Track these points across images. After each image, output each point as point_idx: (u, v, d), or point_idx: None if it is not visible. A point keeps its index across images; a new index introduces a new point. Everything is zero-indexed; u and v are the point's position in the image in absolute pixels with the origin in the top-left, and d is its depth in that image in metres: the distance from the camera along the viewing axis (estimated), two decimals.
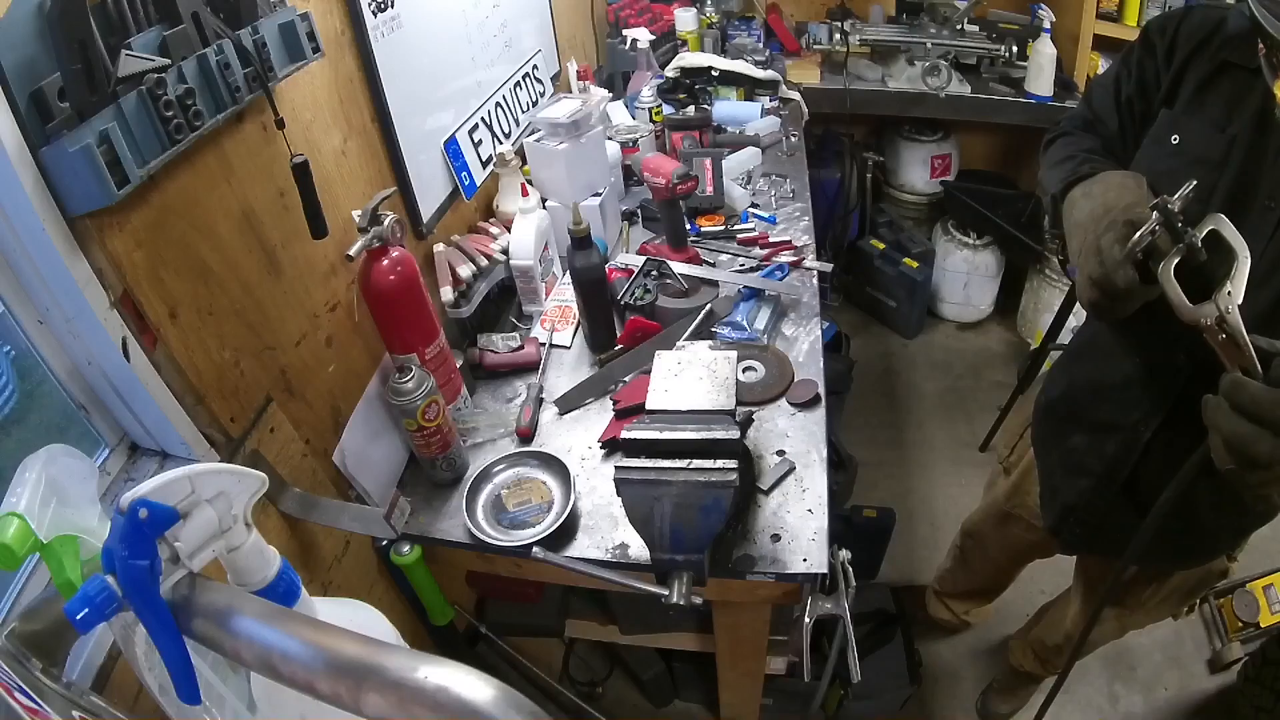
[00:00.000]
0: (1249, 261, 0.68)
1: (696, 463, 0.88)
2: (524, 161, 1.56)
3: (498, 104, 1.57)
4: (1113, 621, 1.36)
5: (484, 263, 1.35)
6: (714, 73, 2.08)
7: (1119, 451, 1.03)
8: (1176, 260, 0.69)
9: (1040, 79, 2.28)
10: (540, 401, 1.28)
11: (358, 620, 0.72)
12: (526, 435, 1.21)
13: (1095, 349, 1.08)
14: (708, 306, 1.35)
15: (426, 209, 1.30)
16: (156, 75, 0.69)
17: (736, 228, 1.67)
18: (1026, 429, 1.30)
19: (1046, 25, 2.24)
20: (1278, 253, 0.80)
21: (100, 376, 0.75)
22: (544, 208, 1.46)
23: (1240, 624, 1.79)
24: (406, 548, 1.07)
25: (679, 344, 1.23)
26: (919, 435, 2.46)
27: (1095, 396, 1.06)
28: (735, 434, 0.87)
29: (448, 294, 1.29)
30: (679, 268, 1.43)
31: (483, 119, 1.50)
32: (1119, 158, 0.96)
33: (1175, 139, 0.90)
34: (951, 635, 1.89)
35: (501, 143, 1.56)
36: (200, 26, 0.75)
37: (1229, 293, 0.67)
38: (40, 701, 0.48)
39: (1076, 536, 1.17)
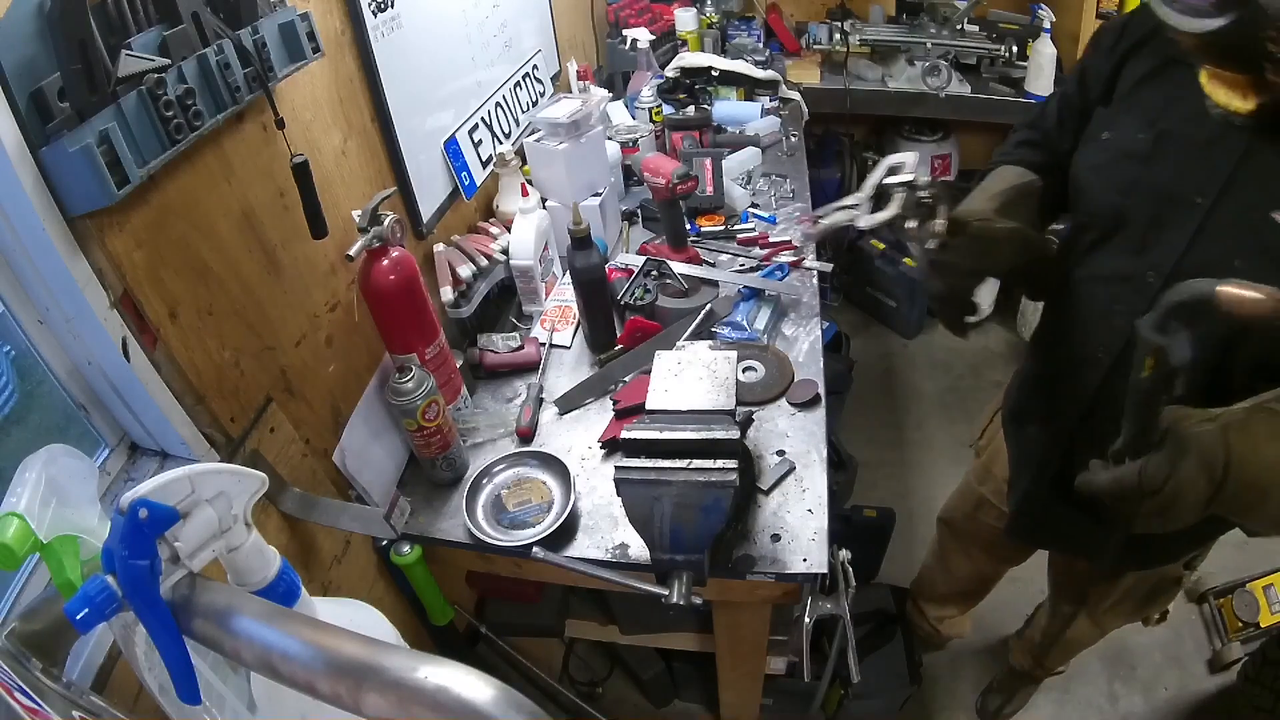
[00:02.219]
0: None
1: (696, 463, 0.87)
2: (524, 161, 1.56)
3: (498, 104, 1.57)
4: (1084, 620, 1.37)
5: (484, 263, 1.35)
6: (714, 73, 2.08)
7: (1049, 443, 1.06)
8: (914, 223, 0.82)
9: (1040, 79, 2.28)
10: (540, 401, 1.28)
11: (358, 620, 0.72)
12: (526, 435, 1.21)
13: (1038, 343, 1.10)
14: (708, 306, 1.35)
15: (426, 209, 1.30)
16: (156, 75, 0.69)
17: (736, 228, 1.67)
18: (997, 412, 1.30)
19: (1046, 25, 2.23)
20: (1206, 251, 0.80)
21: (100, 376, 0.75)
22: (544, 208, 1.46)
23: (1240, 624, 1.79)
24: (406, 548, 1.07)
25: (679, 344, 1.23)
26: (919, 435, 2.46)
27: (1036, 389, 1.07)
28: (735, 434, 0.87)
29: (448, 294, 1.29)
30: (679, 268, 1.43)
31: (483, 119, 1.50)
32: (1056, 153, 0.98)
33: (1105, 135, 0.91)
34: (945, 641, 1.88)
35: (501, 143, 1.56)
36: (200, 26, 0.75)
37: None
38: (40, 701, 0.48)
39: (1024, 527, 1.19)
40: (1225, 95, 0.76)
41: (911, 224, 0.83)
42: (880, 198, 0.84)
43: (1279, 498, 0.67)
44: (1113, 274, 0.89)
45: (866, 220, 0.84)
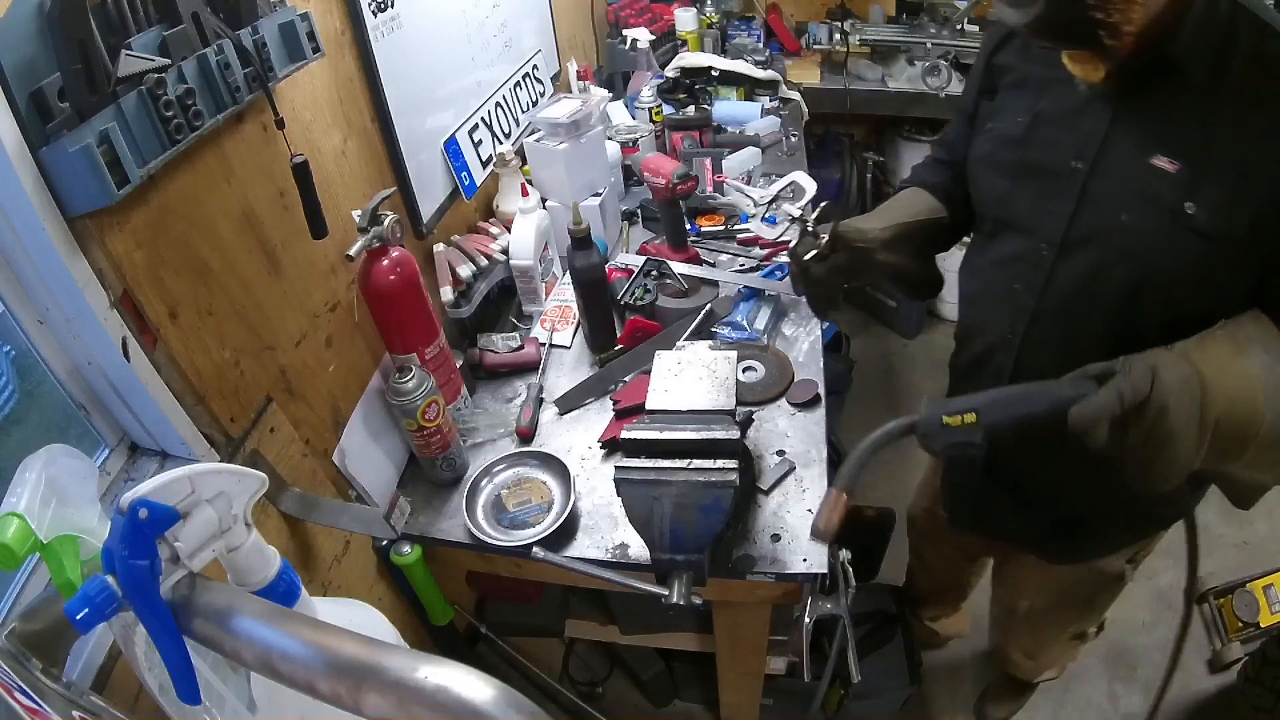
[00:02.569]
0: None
1: (696, 463, 0.88)
2: (524, 161, 1.56)
3: (498, 104, 1.57)
4: (1023, 627, 1.34)
5: (484, 263, 1.35)
6: (714, 73, 2.08)
7: None
8: (812, 253, 0.95)
9: None
10: (540, 401, 1.28)
11: (358, 620, 0.72)
12: (526, 435, 1.21)
13: (957, 335, 1.11)
14: (708, 306, 1.35)
15: (426, 209, 1.30)
16: (156, 75, 0.69)
17: (736, 228, 1.67)
18: None
19: None
20: (1092, 216, 0.82)
21: (100, 376, 0.75)
22: (544, 208, 1.46)
23: (1240, 624, 1.79)
24: (406, 548, 1.07)
25: (679, 344, 1.23)
26: None
27: (961, 378, 1.09)
28: (735, 434, 0.87)
29: (448, 294, 1.28)
30: (679, 268, 1.43)
31: (483, 119, 1.50)
32: (962, 164, 1.02)
33: (990, 125, 0.95)
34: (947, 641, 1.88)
35: (501, 143, 1.56)
36: (200, 26, 0.75)
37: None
38: (40, 701, 0.48)
39: (961, 514, 1.21)
40: (1082, 70, 0.80)
41: (800, 249, 0.96)
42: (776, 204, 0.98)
43: (1271, 413, 0.68)
44: (1010, 256, 0.92)
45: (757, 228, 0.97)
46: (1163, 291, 0.77)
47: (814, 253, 0.95)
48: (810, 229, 0.97)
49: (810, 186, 0.94)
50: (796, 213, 0.98)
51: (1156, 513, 1.05)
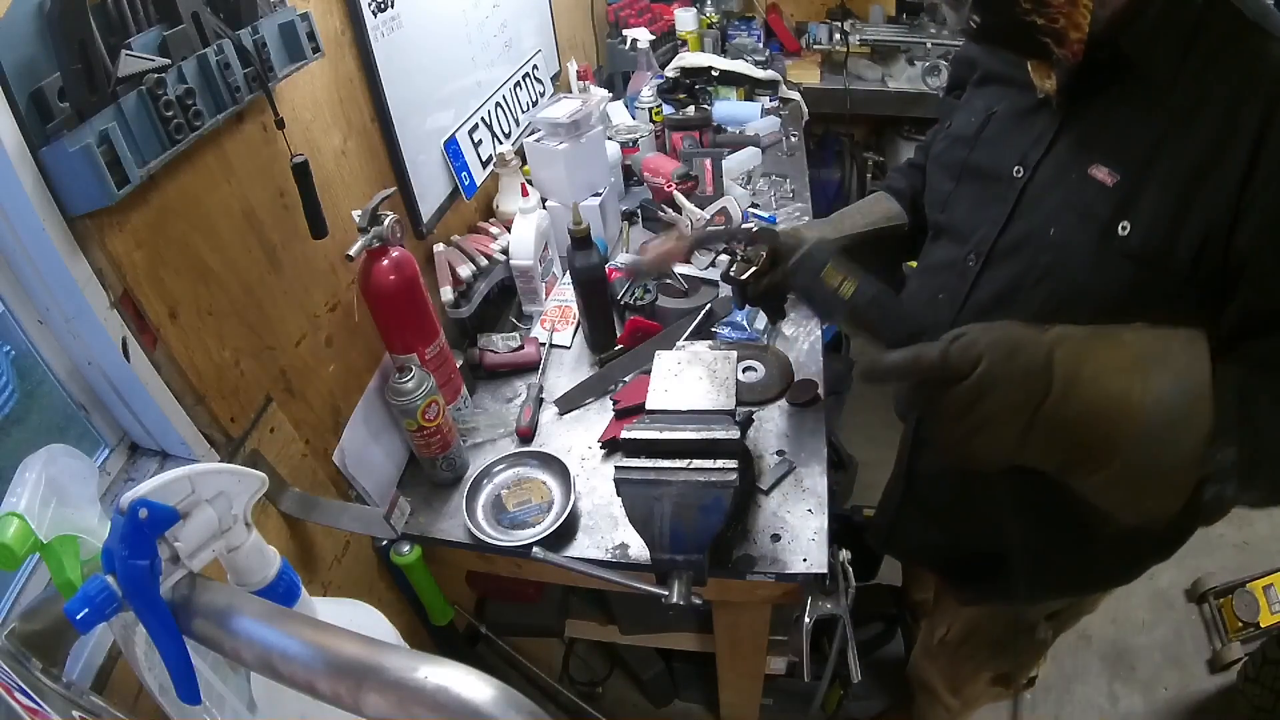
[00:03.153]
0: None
1: (696, 463, 0.88)
2: (524, 161, 1.56)
3: (498, 104, 1.57)
4: (942, 655, 1.25)
5: (484, 263, 1.35)
6: (714, 73, 2.08)
7: (902, 442, 1.07)
8: (750, 271, 0.95)
9: None
10: (540, 401, 1.28)
11: (358, 620, 0.72)
12: (526, 435, 1.21)
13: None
14: (708, 306, 1.35)
15: (426, 209, 1.30)
16: (156, 75, 0.69)
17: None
18: None
19: None
20: (1021, 231, 0.78)
21: (100, 376, 0.75)
22: (544, 208, 1.46)
23: (1240, 624, 1.79)
24: (406, 548, 1.07)
25: (679, 344, 1.24)
26: None
27: (899, 389, 1.08)
28: (735, 434, 0.87)
29: (448, 294, 1.28)
30: (679, 268, 1.43)
31: (483, 119, 1.50)
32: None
33: (949, 124, 0.92)
34: None
35: (501, 143, 1.56)
36: (200, 26, 0.75)
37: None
38: (40, 701, 0.48)
39: (877, 529, 1.18)
40: (1039, 78, 0.76)
41: (735, 272, 0.96)
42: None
43: (1140, 453, 0.57)
44: (941, 262, 0.89)
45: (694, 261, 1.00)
46: (1083, 317, 0.63)
47: (751, 270, 0.94)
48: (742, 254, 0.96)
49: (737, 215, 0.95)
50: (718, 230, 1.02)
51: (1078, 575, 0.96)
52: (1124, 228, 0.68)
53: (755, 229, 0.97)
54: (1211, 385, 0.56)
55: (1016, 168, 0.78)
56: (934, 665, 1.30)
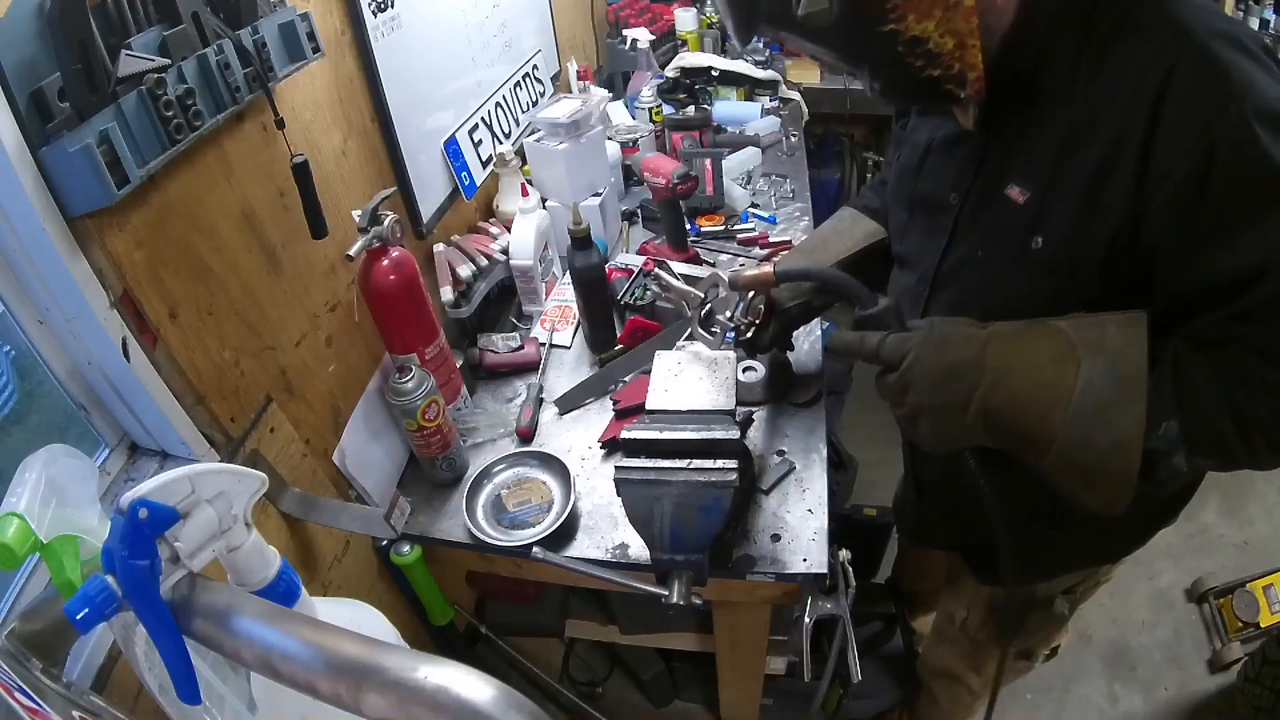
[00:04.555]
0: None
1: (696, 463, 0.87)
2: (524, 161, 1.56)
3: (498, 104, 1.57)
4: (963, 636, 1.26)
5: (484, 263, 1.35)
6: (714, 73, 2.08)
7: (905, 443, 1.13)
8: (751, 330, 1.08)
9: None
10: (540, 401, 1.28)
11: (358, 620, 0.72)
12: (526, 435, 1.21)
13: None
14: (708, 306, 1.35)
15: (426, 209, 1.30)
16: (156, 75, 0.69)
17: (736, 228, 1.67)
18: None
19: None
20: (958, 251, 0.81)
21: (100, 376, 0.75)
22: (544, 208, 1.46)
23: (1240, 624, 1.79)
24: (406, 548, 1.07)
25: (679, 344, 1.24)
26: None
27: None
28: (735, 434, 0.87)
29: (448, 294, 1.28)
30: (679, 268, 1.42)
31: (483, 119, 1.50)
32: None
33: (898, 154, 0.95)
34: None
35: (501, 143, 1.56)
36: (200, 26, 0.75)
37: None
38: (40, 701, 0.48)
39: (903, 520, 1.25)
40: (961, 117, 0.80)
41: (738, 333, 1.06)
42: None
43: (1075, 435, 0.62)
44: (901, 289, 0.93)
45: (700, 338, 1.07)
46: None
47: (754, 328, 1.06)
48: (743, 318, 1.06)
49: (733, 298, 1.07)
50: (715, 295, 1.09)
51: (1087, 548, 0.99)
52: (1036, 242, 0.71)
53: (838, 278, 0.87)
54: (1148, 364, 0.61)
55: (953, 195, 0.82)
56: (955, 650, 1.32)
